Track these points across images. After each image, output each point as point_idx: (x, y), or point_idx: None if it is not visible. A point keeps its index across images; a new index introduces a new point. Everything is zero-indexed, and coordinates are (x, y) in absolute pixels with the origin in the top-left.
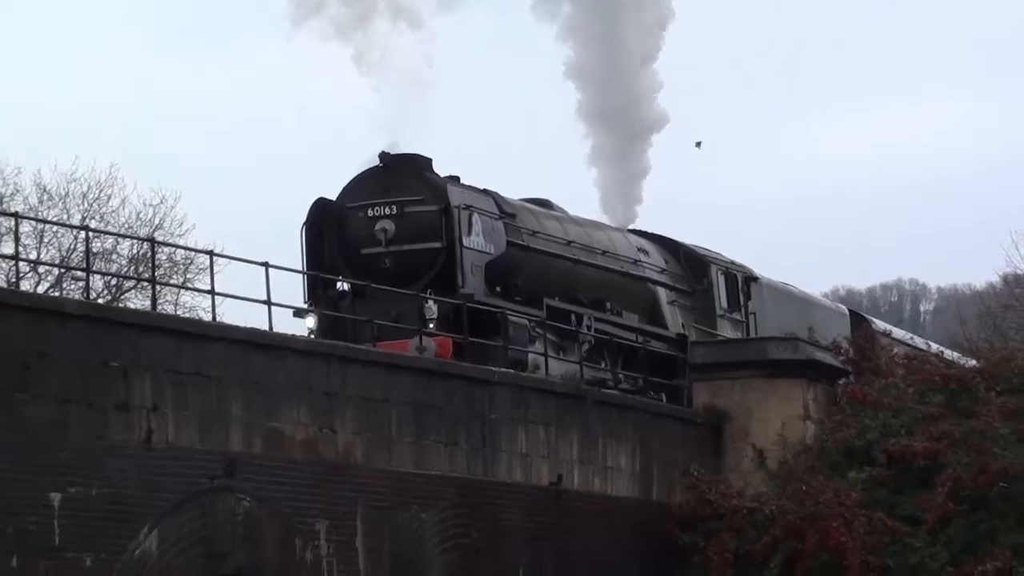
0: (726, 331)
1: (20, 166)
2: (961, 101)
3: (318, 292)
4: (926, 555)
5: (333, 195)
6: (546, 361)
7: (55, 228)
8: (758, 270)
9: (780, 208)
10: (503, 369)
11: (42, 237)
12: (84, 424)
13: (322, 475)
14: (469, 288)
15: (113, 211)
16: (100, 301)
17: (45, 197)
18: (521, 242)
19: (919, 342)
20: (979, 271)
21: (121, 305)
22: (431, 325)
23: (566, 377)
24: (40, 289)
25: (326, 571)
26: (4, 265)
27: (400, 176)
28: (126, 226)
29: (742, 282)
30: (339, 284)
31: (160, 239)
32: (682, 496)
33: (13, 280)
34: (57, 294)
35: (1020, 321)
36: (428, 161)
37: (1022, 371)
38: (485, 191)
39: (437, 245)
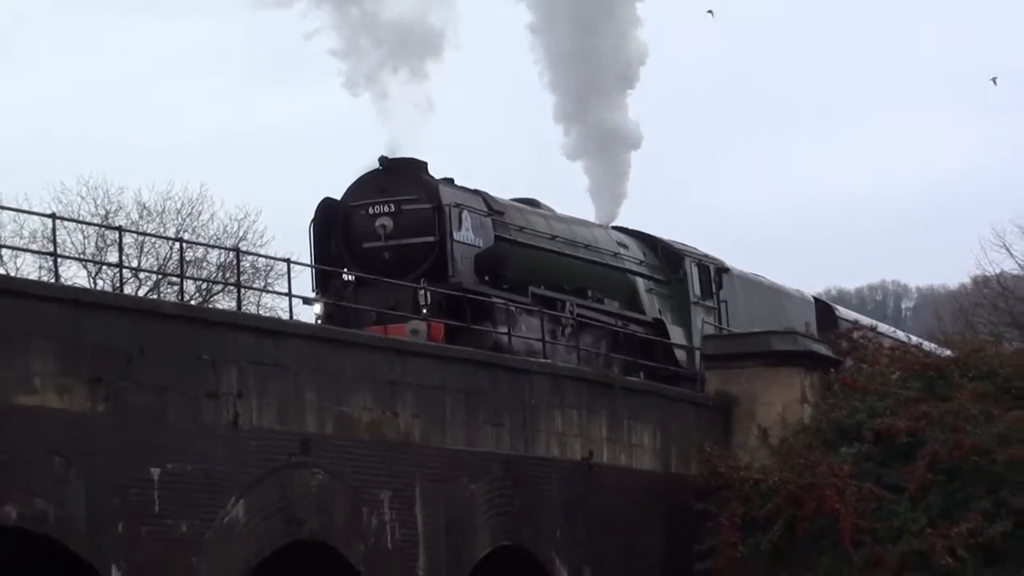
0: (699, 317)
1: (123, 186)
2: (929, 123)
3: (327, 282)
4: (908, 519)
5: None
6: (580, 348)
7: (153, 239)
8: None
9: (779, 215)
10: (542, 360)
11: (142, 247)
12: (179, 409)
13: (385, 452)
14: (459, 278)
15: (203, 225)
16: (192, 303)
17: (144, 213)
18: (509, 237)
19: (884, 328)
20: (953, 273)
21: (211, 306)
22: (424, 311)
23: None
24: (141, 292)
25: (389, 535)
26: (110, 272)
27: (398, 178)
28: (215, 237)
29: (714, 273)
30: (344, 275)
31: (244, 249)
32: (697, 469)
33: (118, 285)
34: (155, 297)
35: (988, 317)
36: (424, 164)
37: (990, 360)
38: (476, 191)
39: (431, 239)
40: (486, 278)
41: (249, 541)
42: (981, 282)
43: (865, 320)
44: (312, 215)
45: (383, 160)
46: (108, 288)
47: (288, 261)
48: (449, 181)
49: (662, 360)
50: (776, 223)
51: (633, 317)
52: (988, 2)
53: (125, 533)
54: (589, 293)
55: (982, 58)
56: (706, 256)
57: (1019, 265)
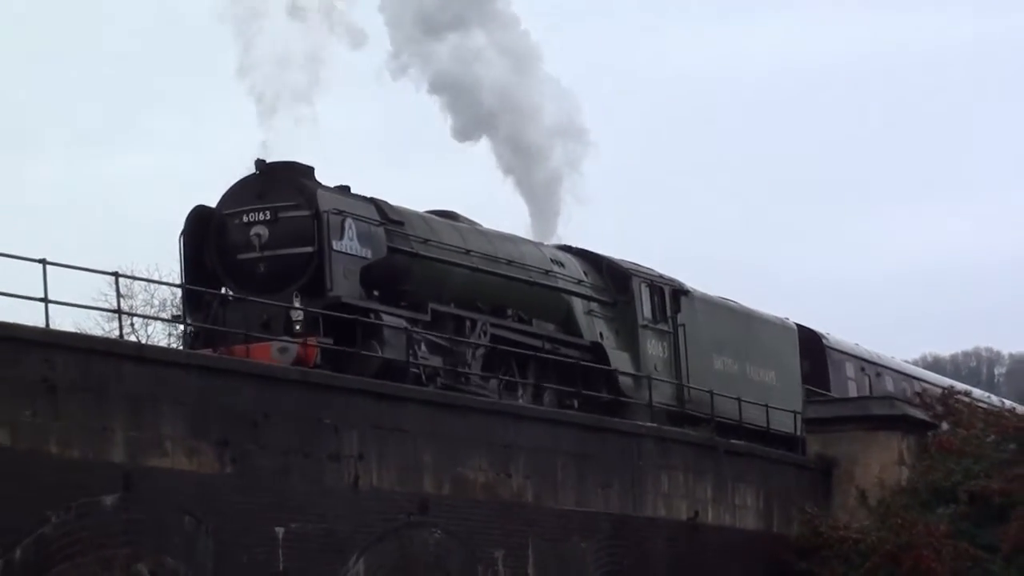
0: (648, 340)
1: None
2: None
3: (198, 298)
4: None
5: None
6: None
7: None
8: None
9: (877, 285)
10: (649, 424)
11: None
12: (303, 471)
13: (499, 512)
14: (338, 291)
15: None
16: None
17: None
18: (409, 248)
19: (978, 393)
20: None
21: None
22: (297, 328)
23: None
24: None
25: None
26: None
27: (275, 183)
28: None
29: (670, 295)
30: (223, 290)
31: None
32: (798, 529)
33: None
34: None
35: None
36: (308, 169)
37: None
38: (371, 199)
39: (309, 249)
40: (375, 293)
41: None
42: None
43: (857, 349)
44: (182, 225)
45: (259, 163)
46: None
47: (407, 331)
48: (343, 188)
49: (600, 388)
50: (874, 293)
51: (565, 340)
52: None
53: None
54: (509, 312)
55: None
56: (660, 277)
57: None
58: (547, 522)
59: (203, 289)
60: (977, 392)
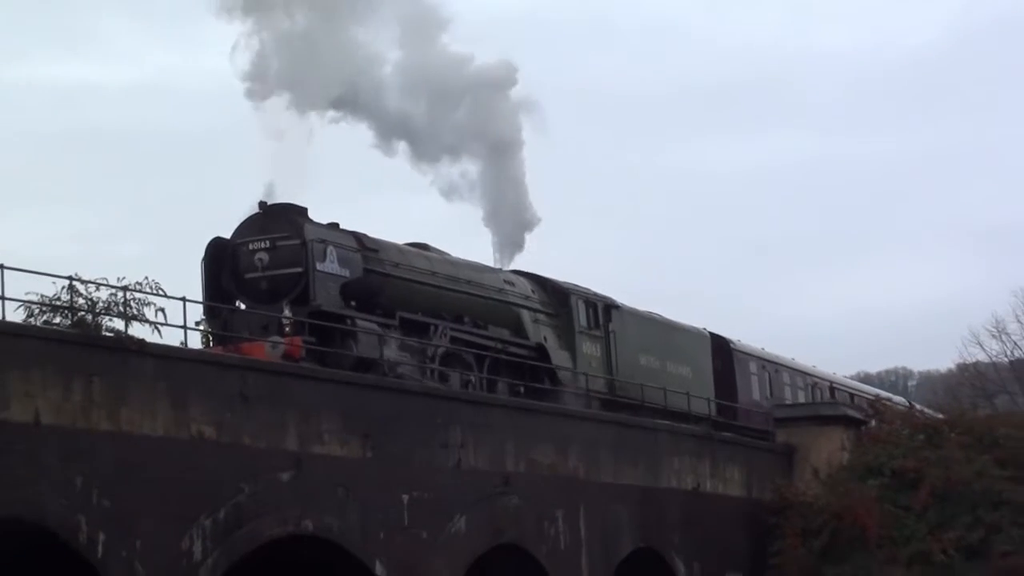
0: (584, 343)
1: None
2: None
3: (214, 309)
4: (915, 529)
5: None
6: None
7: None
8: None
9: (825, 319)
10: (664, 422)
11: None
12: (421, 455)
13: (560, 485)
14: (319, 301)
15: None
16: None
17: None
18: (382, 270)
19: (897, 399)
20: (943, 361)
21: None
22: (287, 330)
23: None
24: None
25: (562, 540)
26: None
27: (274, 219)
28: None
29: (602, 308)
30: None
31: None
32: (770, 495)
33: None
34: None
35: (968, 392)
36: (302, 209)
37: (970, 422)
38: (352, 232)
39: (298, 270)
40: (352, 304)
41: (467, 545)
42: (963, 368)
43: (760, 351)
44: (203, 253)
45: (262, 204)
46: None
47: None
48: (332, 224)
49: (543, 379)
50: (821, 326)
51: (514, 341)
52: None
53: (385, 539)
54: (466, 320)
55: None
56: (595, 295)
57: (988, 356)
58: (593, 491)
59: (219, 304)
60: (897, 398)
